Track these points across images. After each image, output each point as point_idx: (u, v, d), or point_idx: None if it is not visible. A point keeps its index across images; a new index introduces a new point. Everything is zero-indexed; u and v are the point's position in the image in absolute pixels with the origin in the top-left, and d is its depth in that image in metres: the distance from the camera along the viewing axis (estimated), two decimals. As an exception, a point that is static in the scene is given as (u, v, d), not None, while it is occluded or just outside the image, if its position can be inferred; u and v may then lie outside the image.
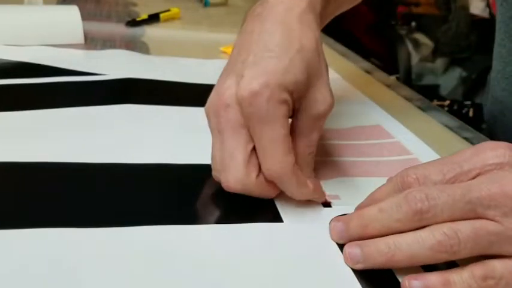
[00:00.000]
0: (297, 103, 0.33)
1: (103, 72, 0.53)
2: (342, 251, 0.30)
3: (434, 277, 0.27)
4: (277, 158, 0.31)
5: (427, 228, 0.28)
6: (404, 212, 0.28)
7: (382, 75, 0.68)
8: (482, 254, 0.28)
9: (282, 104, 0.31)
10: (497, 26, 0.55)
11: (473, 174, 0.29)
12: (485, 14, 1.71)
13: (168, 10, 0.81)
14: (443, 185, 0.29)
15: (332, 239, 0.31)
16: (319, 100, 0.33)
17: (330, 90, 0.34)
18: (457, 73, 1.79)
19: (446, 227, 0.27)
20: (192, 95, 0.52)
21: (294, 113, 0.33)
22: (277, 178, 0.32)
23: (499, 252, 0.27)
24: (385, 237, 0.29)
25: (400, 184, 0.30)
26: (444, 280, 0.27)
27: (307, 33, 0.34)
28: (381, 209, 0.29)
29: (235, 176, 0.32)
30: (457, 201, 0.27)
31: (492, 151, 0.29)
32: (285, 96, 0.31)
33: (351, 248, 0.29)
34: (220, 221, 0.32)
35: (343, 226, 0.31)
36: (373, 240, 0.29)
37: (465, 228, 0.27)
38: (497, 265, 0.27)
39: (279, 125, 0.31)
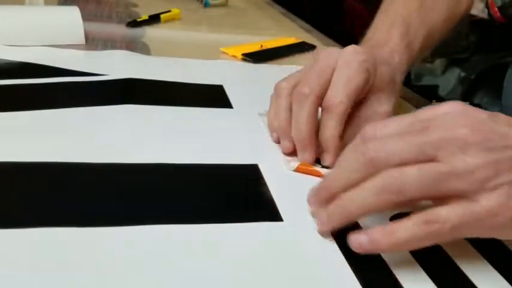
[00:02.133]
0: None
1: (104, 73, 0.53)
2: (342, 251, 0.30)
3: (377, 229, 0.29)
4: (343, 93, 0.38)
5: (378, 175, 0.29)
6: (361, 162, 0.29)
7: (381, 75, 0.68)
8: (431, 194, 0.28)
9: (364, 71, 0.38)
10: None
11: (426, 123, 0.29)
12: (484, 14, 1.70)
13: (169, 11, 0.81)
14: (397, 134, 0.30)
15: (310, 207, 0.33)
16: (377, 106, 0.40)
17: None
18: (455, 73, 1.79)
19: (395, 170, 0.28)
20: (192, 95, 0.52)
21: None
22: (333, 107, 0.37)
23: (447, 190, 0.28)
24: (343, 193, 0.30)
25: (359, 140, 0.31)
26: (388, 230, 0.28)
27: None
28: (340, 165, 0.31)
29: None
30: (409, 146, 0.28)
31: (445, 106, 0.30)
32: (367, 68, 0.39)
33: (320, 213, 0.31)
34: (220, 220, 0.32)
35: (313, 191, 0.32)
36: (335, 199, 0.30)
37: (413, 168, 0.28)
38: (442, 210, 0.28)
39: (355, 80, 0.38)
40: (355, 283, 0.28)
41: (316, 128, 0.39)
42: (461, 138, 0.28)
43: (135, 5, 0.89)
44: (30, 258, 0.27)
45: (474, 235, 0.29)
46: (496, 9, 1.05)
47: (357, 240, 0.29)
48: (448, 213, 0.28)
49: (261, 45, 0.70)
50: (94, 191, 0.33)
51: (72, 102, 0.45)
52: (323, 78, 0.39)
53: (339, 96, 0.38)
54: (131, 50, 0.62)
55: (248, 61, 0.65)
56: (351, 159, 0.30)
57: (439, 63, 1.92)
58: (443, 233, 0.28)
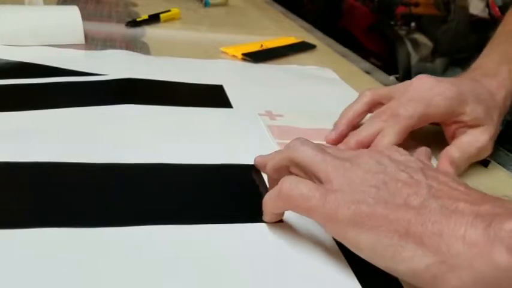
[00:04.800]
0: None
1: (103, 73, 0.53)
2: (342, 251, 0.30)
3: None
4: (411, 111, 0.41)
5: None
6: None
7: (381, 75, 0.68)
8: (310, 168, 0.31)
9: (442, 103, 0.41)
10: None
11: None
12: (485, 14, 1.70)
13: (169, 10, 0.81)
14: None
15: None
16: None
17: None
18: (456, 73, 1.78)
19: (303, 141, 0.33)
20: (192, 95, 0.52)
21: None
22: (398, 116, 0.41)
23: (317, 171, 0.30)
24: None
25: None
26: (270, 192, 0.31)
27: None
28: None
29: None
30: None
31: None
32: (450, 102, 0.42)
33: None
34: (220, 221, 0.32)
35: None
36: None
37: (312, 144, 0.32)
38: (289, 178, 0.30)
39: (428, 107, 0.41)
40: (356, 283, 0.28)
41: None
42: (364, 156, 0.31)
43: (135, 5, 0.89)
44: (30, 258, 0.27)
45: (312, 216, 0.29)
46: (497, 8, 1.05)
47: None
48: (288, 181, 0.30)
49: (261, 45, 0.70)
50: (94, 191, 0.33)
51: (72, 102, 0.45)
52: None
53: (405, 110, 0.40)
54: (131, 50, 0.62)
55: (248, 61, 0.65)
56: None
57: (439, 62, 1.92)
58: (282, 198, 0.30)
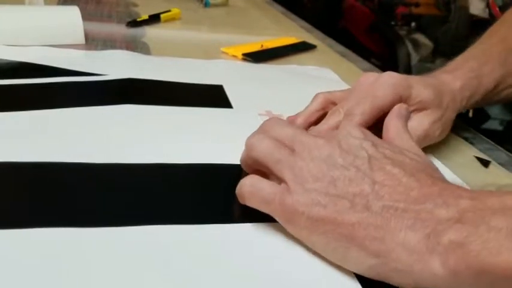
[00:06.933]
0: None
1: (104, 73, 0.53)
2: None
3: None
4: (363, 108, 0.40)
5: None
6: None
7: (382, 75, 0.68)
8: (268, 165, 0.32)
9: (391, 93, 0.41)
10: None
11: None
12: (485, 14, 1.70)
13: (169, 11, 0.81)
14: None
15: None
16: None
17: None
18: (456, 73, 1.78)
19: (263, 135, 0.34)
20: (192, 95, 0.52)
21: None
22: (351, 116, 0.39)
23: (279, 172, 0.31)
24: None
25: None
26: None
27: None
28: None
29: None
30: (287, 130, 0.34)
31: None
32: (397, 90, 0.41)
33: None
34: (220, 221, 0.32)
35: None
36: None
37: (271, 140, 0.33)
38: (250, 178, 0.32)
39: (378, 99, 0.40)
40: (356, 283, 0.28)
41: None
42: (318, 145, 0.31)
43: (135, 5, 0.89)
44: (30, 258, 0.27)
45: (276, 216, 0.31)
46: (497, 9, 1.05)
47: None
48: (250, 182, 0.32)
49: (262, 45, 0.70)
50: (94, 191, 0.33)
51: (72, 102, 0.45)
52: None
53: (356, 109, 0.39)
54: (131, 50, 0.62)
55: (248, 61, 0.65)
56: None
57: (440, 63, 1.91)
58: (243, 196, 0.32)
